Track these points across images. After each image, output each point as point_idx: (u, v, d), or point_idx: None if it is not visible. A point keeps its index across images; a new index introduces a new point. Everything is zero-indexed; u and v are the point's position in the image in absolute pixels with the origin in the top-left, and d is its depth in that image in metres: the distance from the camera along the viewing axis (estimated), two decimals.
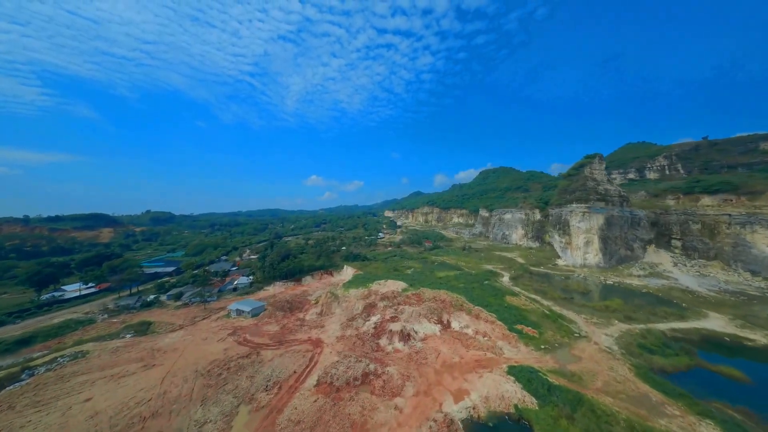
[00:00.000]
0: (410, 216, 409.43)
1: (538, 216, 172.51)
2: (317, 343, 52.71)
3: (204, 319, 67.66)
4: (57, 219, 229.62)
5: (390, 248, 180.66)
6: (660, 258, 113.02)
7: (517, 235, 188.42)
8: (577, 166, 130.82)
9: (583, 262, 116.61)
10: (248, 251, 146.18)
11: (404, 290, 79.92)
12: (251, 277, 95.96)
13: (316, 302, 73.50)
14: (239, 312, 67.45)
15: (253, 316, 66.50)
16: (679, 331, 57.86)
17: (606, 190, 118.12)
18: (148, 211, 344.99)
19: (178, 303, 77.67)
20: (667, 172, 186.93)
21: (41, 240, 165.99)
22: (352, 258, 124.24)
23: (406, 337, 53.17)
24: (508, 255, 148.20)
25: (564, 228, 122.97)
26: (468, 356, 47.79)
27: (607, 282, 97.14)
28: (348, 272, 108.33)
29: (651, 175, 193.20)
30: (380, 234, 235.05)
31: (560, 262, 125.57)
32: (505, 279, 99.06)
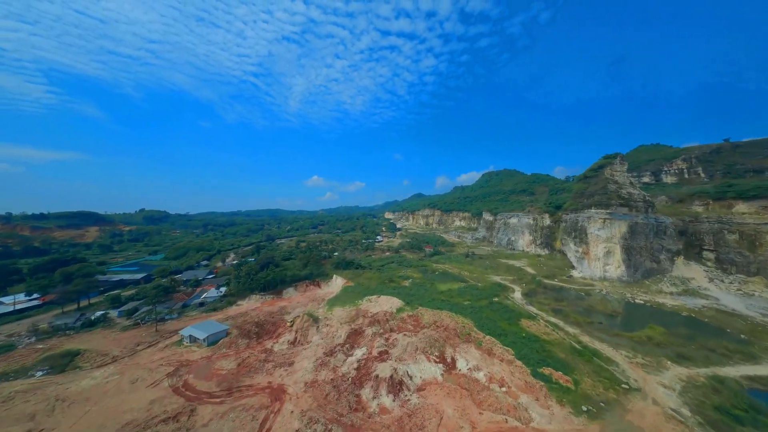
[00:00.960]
0: (411, 218, 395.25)
1: (547, 221, 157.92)
2: (278, 394, 38.71)
3: (150, 346, 53.86)
4: (42, 217, 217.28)
5: (388, 253, 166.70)
6: (691, 272, 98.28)
7: (524, 241, 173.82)
8: (595, 168, 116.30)
9: (602, 275, 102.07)
10: (233, 255, 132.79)
11: (399, 310, 65.85)
12: (224, 289, 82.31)
13: (292, 324, 59.74)
14: (193, 339, 53.70)
15: (209, 345, 52.72)
16: (759, 380, 43.47)
17: (629, 194, 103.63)
18: (142, 210, 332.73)
19: (129, 322, 64.03)
20: (687, 175, 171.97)
21: (14, 239, 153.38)
22: (344, 265, 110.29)
23: (396, 386, 39.09)
24: (516, 263, 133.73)
25: (580, 236, 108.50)
26: (482, 424, 33.66)
27: (636, 300, 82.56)
28: (337, 283, 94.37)
29: (668, 179, 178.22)
30: (379, 237, 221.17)
31: (575, 273, 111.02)
32: (517, 295, 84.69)
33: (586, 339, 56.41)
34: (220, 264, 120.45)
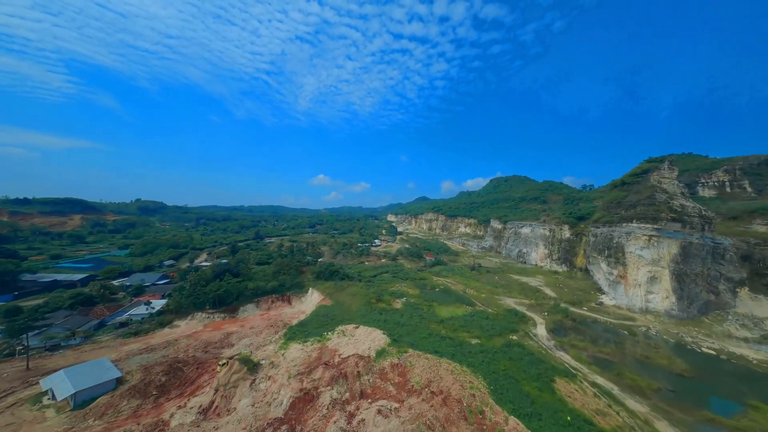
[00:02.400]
0: (413, 222, 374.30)
1: (567, 233, 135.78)
2: None
3: None
4: (25, 202, 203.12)
5: (384, 260, 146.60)
6: (764, 309, 75.69)
7: (537, 255, 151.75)
8: (637, 173, 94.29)
9: (644, 305, 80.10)
10: (205, 255, 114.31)
11: (380, 353, 45.56)
12: (167, 302, 63.35)
13: (223, 367, 40.10)
14: (55, 396, 34.54)
15: (76, 407, 33.50)
16: None
17: (682, 206, 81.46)
18: (137, 200, 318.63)
19: (5, 350, 45.31)
20: (729, 189, 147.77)
21: None
22: (327, 275, 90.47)
23: None
24: (531, 282, 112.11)
25: (616, 255, 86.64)
26: None
27: (702, 348, 60.55)
28: (313, 299, 74.46)
29: (705, 192, 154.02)
30: (376, 241, 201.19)
31: (607, 300, 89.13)
32: (541, 331, 63.51)
33: (665, 430, 35.30)
34: (187, 264, 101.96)
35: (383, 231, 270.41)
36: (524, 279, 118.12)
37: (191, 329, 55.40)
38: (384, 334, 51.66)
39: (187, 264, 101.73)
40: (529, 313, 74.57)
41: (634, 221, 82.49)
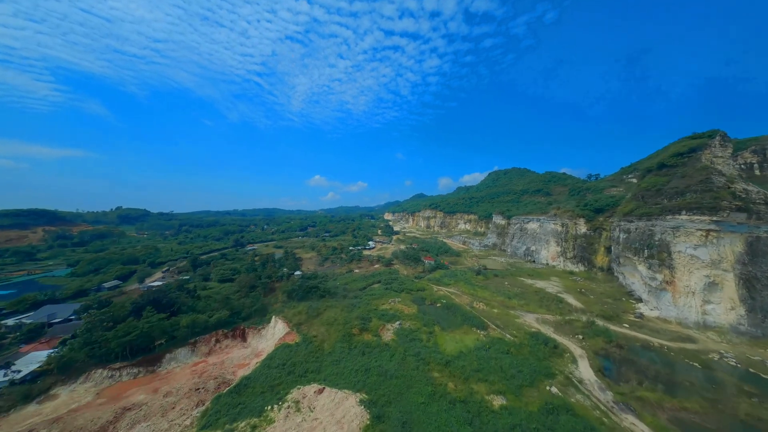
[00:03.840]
0: (411, 220, 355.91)
1: (583, 228, 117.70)
2: None
3: None
4: None
5: (377, 266, 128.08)
6: None
7: (548, 253, 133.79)
8: (682, 151, 75.53)
9: (701, 319, 62.03)
10: (161, 273, 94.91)
11: None
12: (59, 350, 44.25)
13: None
14: None
15: None
16: None
17: (746, 192, 63.19)
18: (118, 208, 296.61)
19: None
20: (758, 171, 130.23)
21: None
22: (301, 293, 71.66)
23: None
24: (547, 287, 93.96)
25: (659, 256, 68.33)
26: None
27: None
28: (275, 332, 55.61)
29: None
30: (371, 243, 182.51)
31: (648, 311, 71.03)
32: (586, 372, 45.02)
33: None
34: (135, 285, 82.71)
35: (379, 231, 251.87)
36: (539, 283, 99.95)
37: (73, 402, 36.54)
38: (361, 404, 33.00)
39: (135, 285, 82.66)
40: (559, 339, 56.21)
41: (684, 212, 64.11)
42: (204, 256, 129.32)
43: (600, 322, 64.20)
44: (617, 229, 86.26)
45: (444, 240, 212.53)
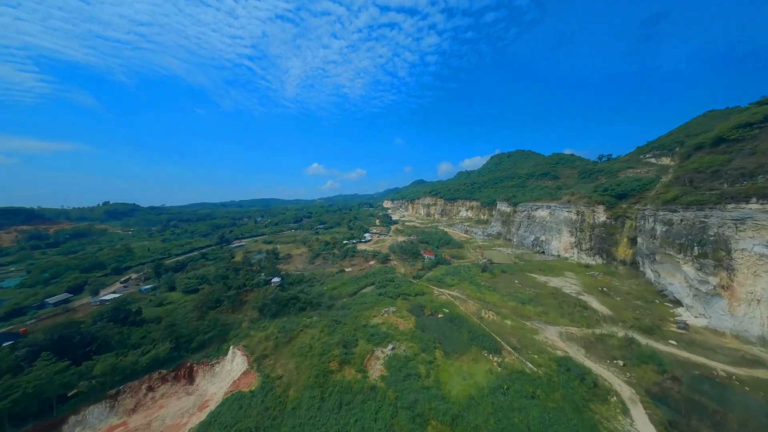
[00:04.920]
0: (410, 207, 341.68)
1: (602, 217, 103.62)
2: None
3: None
4: None
5: (372, 262, 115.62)
6: None
7: (560, 244, 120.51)
8: (753, 120, 59.37)
9: (765, 333, 49.32)
10: (120, 285, 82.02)
11: None
12: None
13: None
14: None
15: None
16: None
17: None
18: (105, 203, 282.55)
19: None
20: None
21: None
22: (276, 308, 59.16)
23: None
24: (564, 286, 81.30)
25: (715, 254, 54.62)
26: None
27: None
28: (234, 366, 43.30)
29: None
30: (367, 235, 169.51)
31: (692, 318, 58.31)
32: (643, 428, 32.76)
33: None
34: (86, 300, 70.24)
35: (377, 221, 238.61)
36: (553, 281, 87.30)
37: None
38: None
39: (87, 298, 70.38)
40: (596, 368, 43.66)
41: (755, 200, 49.75)
42: (182, 257, 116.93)
43: (639, 338, 51.63)
44: (651, 219, 72.14)
45: (445, 229, 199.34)
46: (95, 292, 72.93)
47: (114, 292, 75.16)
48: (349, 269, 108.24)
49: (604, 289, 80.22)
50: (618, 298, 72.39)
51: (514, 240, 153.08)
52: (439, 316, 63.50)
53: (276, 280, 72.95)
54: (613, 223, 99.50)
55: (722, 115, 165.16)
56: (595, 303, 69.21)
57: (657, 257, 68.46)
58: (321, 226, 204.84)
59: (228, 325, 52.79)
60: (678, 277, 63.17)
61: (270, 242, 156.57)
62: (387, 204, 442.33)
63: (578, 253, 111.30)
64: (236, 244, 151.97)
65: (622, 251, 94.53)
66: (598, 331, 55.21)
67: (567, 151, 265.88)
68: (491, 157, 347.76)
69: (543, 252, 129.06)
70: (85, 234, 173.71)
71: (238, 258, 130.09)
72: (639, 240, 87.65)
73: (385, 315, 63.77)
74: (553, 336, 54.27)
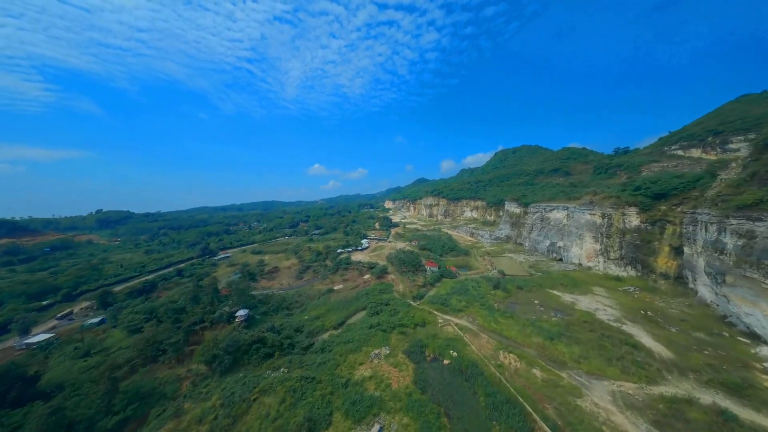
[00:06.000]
0: (412, 208, 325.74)
1: (634, 220, 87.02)
2: None
3: None
4: None
5: (366, 277, 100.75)
6: None
7: (581, 251, 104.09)
8: None
9: None
10: (56, 321, 67.53)
11: None
12: None
13: None
14: None
15: None
16: None
17: None
18: (98, 211, 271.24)
19: None
20: None
21: None
22: (229, 362, 44.62)
23: None
24: (597, 309, 65.19)
25: None
26: None
27: None
28: None
29: None
30: (364, 241, 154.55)
31: None
32: None
33: None
34: (11, 343, 56.26)
35: (376, 224, 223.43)
36: (582, 301, 71.35)
37: None
38: None
39: (13, 340, 56.45)
40: None
41: None
42: (153, 275, 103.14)
43: (731, 406, 35.79)
44: (714, 229, 55.76)
45: (449, 232, 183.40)
46: (24, 331, 59.15)
47: (52, 329, 61.45)
48: (340, 286, 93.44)
49: (649, 313, 64.10)
50: (673, 329, 56.29)
51: (526, 245, 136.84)
52: (445, 362, 48.24)
53: (242, 313, 58.16)
54: (649, 228, 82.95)
55: (760, 100, 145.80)
56: (646, 338, 53.23)
57: (728, 278, 52.07)
58: (317, 232, 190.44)
59: (156, 392, 38.33)
60: (763, 307, 46.83)
61: (259, 252, 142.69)
62: (388, 204, 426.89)
63: (605, 262, 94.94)
64: (222, 255, 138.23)
65: (663, 262, 78.03)
66: (666, 390, 39.45)
67: (573, 145, 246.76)
68: (495, 154, 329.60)
69: (561, 259, 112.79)
70: (64, 246, 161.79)
71: (221, 272, 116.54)
72: (687, 251, 71.33)
73: (375, 361, 48.80)
74: (605, 401, 38.63)
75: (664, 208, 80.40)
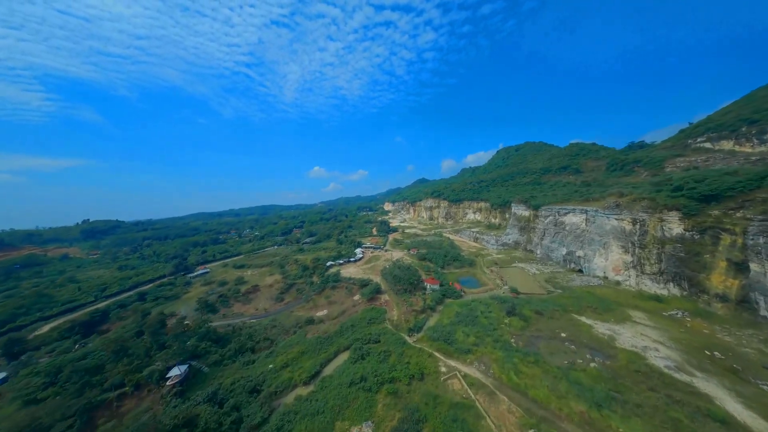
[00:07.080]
0: (412, 210, 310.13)
1: (677, 228, 71.08)
2: None
3: None
4: None
5: (356, 297, 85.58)
6: None
7: (607, 262, 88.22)
8: None
9: None
10: None
11: None
12: None
13: None
14: None
15: None
16: None
17: None
18: (85, 221, 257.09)
19: None
20: None
21: None
22: None
23: None
24: (645, 347, 49.39)
25: None
26: None
27: None
28: None
29: None
30: (358, 251, 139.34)
31: None
32: None
33: None
34: None
35: (374, 230, 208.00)
36: (622, 334, 55.68)
37: None
38: None
39: None
40: None
41: None
42: (111, 300, 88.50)
43: None
44: None
45: (450, 237, 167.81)
46: None
47: None
48: (324, 312, 78.22)
49: (716, 354, 48.42)
50: (759, 383, 40.59)
51: (538, 252, 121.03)
52: None
53: (176, 372, 42.61)
54: (696, 237, 67.04)
55: None
56: (731, 403, 37.60)
57: None
58: (308, 240, 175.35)
59: None
60: None
61: (242, 266, 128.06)
62: (387, 206, 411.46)
63: (637, 276, 79.05)
64: (200, 271, 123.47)
65: (719, 281, 62.09)
66: None
67: (575, 141, 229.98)
68: (497, 152, 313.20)
69: (581, 271, 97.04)
70: (36, 263, 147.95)
71: (194, 292, 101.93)
72: (754, 268, 55.59)
73: None
74: None
75: (716, 213, 64.51)
